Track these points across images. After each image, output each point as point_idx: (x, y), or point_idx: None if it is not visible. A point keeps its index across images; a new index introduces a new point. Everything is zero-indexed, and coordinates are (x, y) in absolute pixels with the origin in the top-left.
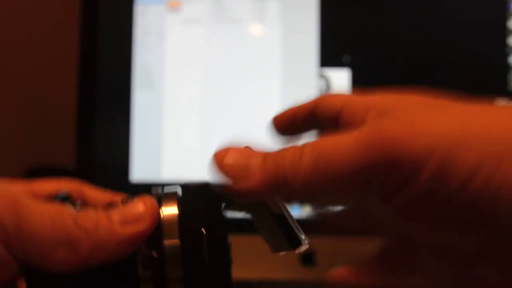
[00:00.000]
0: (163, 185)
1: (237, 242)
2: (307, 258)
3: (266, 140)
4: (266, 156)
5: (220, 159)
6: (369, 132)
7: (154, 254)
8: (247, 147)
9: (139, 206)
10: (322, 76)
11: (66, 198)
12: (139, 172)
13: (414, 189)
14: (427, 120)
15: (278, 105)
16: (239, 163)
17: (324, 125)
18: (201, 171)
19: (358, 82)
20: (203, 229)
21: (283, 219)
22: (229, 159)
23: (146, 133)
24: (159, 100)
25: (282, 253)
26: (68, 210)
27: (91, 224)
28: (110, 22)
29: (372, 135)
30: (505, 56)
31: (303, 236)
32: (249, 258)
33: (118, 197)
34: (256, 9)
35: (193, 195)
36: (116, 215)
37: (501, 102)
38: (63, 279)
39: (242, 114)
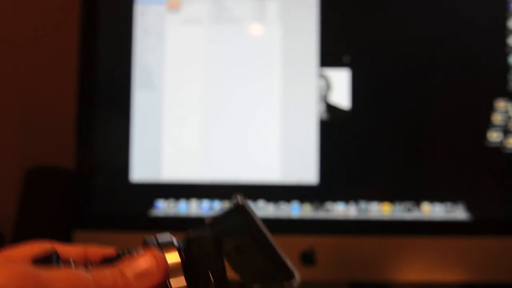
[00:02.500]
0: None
1: None
2: (307, 258)
3: (265, 139)
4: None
5: None
6: None
7: None
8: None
9: (149, 260)
10: (322, 76)
11: (58, 257)
12: (139, 172)
13: None
14: None
15: (278, 105)
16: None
17: None
18: (201, 171)
19: (358, 82)
20: (211, 277)
21: (277, 254)
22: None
23: (146, 133)
24: (159, 100)
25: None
26: (84, 273)
27: (109, 283)
28: (110, 22)
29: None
30: (505, 56)
31: (292, 267)
32: None
33: (91, 248)
34: (256, 9)
35: (193, 244)
36: (129, 271)
37: (501, 102)
38: None
39: (242, 114)
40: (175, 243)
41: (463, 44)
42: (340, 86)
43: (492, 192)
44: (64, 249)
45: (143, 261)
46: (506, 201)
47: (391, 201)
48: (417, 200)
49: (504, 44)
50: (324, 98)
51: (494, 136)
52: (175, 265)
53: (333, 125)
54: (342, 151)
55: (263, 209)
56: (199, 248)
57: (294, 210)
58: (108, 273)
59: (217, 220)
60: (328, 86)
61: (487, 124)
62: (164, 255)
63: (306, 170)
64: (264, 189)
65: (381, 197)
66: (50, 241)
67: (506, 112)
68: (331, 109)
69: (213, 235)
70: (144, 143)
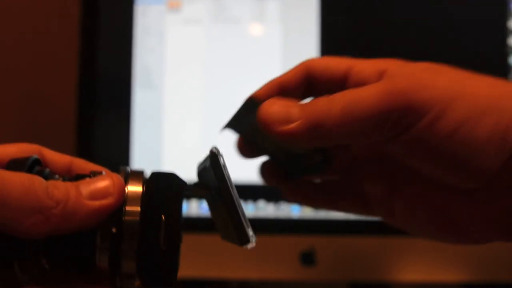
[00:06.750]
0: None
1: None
2: (307, 258)
3: None
4: (304, 104)
5: (266, 108)
6: (388, 84)
7: (114, 229)
8: (287, 99)
9: (107, 181)
10: None
11: (37, 162)
12: None
13: (416, 130)
14: (432, 79)
15: None
16: (282, 111)
17: (322, 90)
18: None
19: None
20: (162, 216)
21: (236, 214)
22: (274, 108)
23: (146, 132)
24: (159, 100)
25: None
26: (39, 180)
27: (61, 195)
28: (110, 22)
29: (391, 87)
30: (505, 56)
31: (251, 233)
32: (248, 258)
33: (78, 161)
34: (256, 9)
35: (158, 180)
36: (84, 188)
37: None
38: (25, 241)
39: None
40: (144, 175)
41: (463, 44)
42: None
43: None
44: (51, 156)
45: (100, 181)
46: None
47: None
48: None
49: (504, 44)
50: None
51: None
52: (134, 194)
53: None
54: None
55: (263, 209)
56: (158, 185)
57: (294, 210)
58: (62, 185)
59: (200, 166)
60: None
61: None
62: (123, 181)
63: None
64: (264, 189)
65: None
66: (41, 147)
67: None
68: None
69: (176, 175)
70: (144, 143)
